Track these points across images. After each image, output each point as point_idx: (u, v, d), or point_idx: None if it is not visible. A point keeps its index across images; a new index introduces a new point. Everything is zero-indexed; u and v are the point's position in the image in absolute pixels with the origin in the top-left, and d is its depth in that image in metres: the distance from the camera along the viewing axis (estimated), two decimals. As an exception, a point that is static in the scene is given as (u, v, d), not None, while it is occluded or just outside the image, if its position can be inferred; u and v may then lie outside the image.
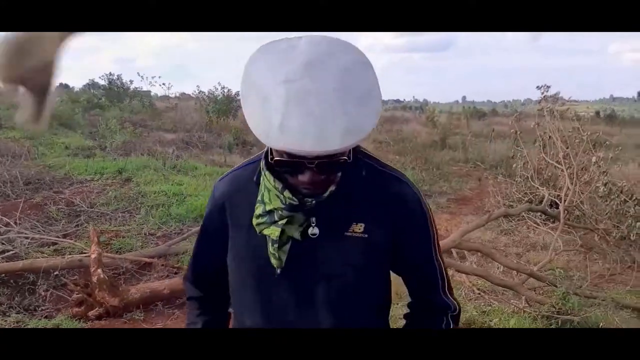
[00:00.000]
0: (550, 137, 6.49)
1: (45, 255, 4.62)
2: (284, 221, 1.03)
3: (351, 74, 0.87)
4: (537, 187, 6.63)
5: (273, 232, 1.03)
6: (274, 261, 1.06)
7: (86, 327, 3.45)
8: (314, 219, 1.05)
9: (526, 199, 7.03)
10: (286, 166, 0.96)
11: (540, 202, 6.29)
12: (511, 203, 6.99)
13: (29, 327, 3.43)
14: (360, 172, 1.07)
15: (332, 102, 0.86)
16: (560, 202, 5.36)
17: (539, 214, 6.21)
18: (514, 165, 7.81)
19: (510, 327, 3.47)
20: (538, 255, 5.52)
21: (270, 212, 1.04)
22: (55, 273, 4.22)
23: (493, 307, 4.01)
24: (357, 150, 1.09)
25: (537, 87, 7.43)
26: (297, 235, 1.04)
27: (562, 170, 5.83)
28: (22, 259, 4.40)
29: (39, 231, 5.22)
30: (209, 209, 1.20)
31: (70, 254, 4.48)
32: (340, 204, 1.05)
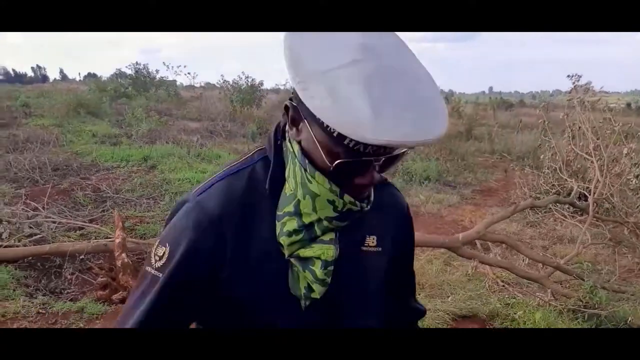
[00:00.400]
0: (579, 127, 6.30)
1: (72, 239, 4.71)
2: (331, 236, 0.83)
3: (407, 49, 0.72)
4: (566, 179, 6.46)
5: (325, 252, 0.82)
6: (318, 288, 0.84)
7: (110, 310, 3.50)
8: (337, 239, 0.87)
9: (554, 191, 6.86)
10: (348, 167, 0.76)
11: (568, 194, 6.13)
12: (538, 195, 6.84)
13: (54, 308, 3.50)
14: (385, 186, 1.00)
15: (421, 78, 0.72)
16: (590, 195, 5.20)
17: (566, 206, 6.05)
18: (541, 157, 7.63)
19: (536, 320, 3.39)
20: (565, 248, 5.39)
21: (309, 226, 0.82)
22: (80, 257, 4.29)
23: (517, 299, 3.93)
24: None
25: (568, 76, 7.23)
26: (335, 251, 0.84)
27: (592, 162, 5.66)
28: (49, 243, 4.50)
29: (66, 216, 5.33)
30: (188, 244, 0.81)
31: (95, 239, 4.55)
32: (357, 219, 0.89)
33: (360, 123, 0.66)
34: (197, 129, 13.22)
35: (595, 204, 5.15)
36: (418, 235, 4.48)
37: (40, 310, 3.47)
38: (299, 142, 0.80)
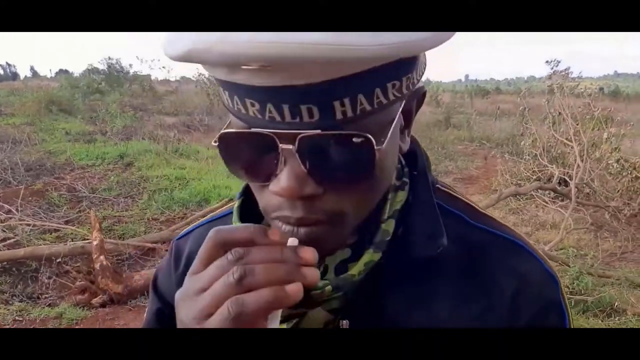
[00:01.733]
0: (559, 113, 6.36)
1: (48, 242, 4.56)
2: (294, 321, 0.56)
3: None
4: (546, 165, 6.51)
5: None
6: None
7: (89, 315, 3.38)
8: (346, 323, 0.56)
9: (535, 177, 6.92)
10: (240, 149, 0.50)
11: (549, 180, 6.19)
12: (519, 181, 6.88)
13: (31, 315, 3.37)
14: (437, 241, 0.55)
15: None
16: (571, 180, 5.24)
17: (547, 192, 6.10)
18: (521, 143, 7.68)
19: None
20: (548, 234, 5.43)
21: None
22: (57, 260, 4.15)
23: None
24: (428, 190, 0.59)
25: (546, 61, 7.29)
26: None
27: (572, 148, 5.71)
28: (24, 247, 4.33)
29: (40, 218, 5.16)
30: (160, 282, 0.74)
31: (72, 241, 4.40)
32: (396, 301, 0.57)
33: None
34: (174, 124, 13.00)
35: (576, 189, 5.19)
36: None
37: (17, 318, 3.34)
38: None
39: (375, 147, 0.45)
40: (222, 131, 0.49)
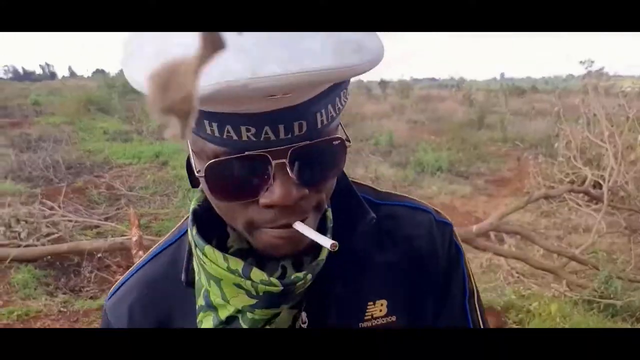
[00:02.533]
0: (595, 114, 6.24)
1: (88, 238, 4.79)
2: (286, 319, 0.59)
3: None
4: (580, 167, 6.40)
5: None
6: None
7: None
8: (304, 315, 0.61)
9: (568, 179, 6.80)
10: (230, 174, 0.51)
11: (583, 182, 6.09)
12: (552, 184, 6.78)
13: (75, 306, 3.56)
14: (366, 217, 0.65)
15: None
16: (604, 183, 5.16)
17: (581, 195, 6.00)
18: (555, 145, 7.56)
19: (551, 312, 3.39)
20: (580, 237, 5.35)
21: (230, 322, 0.57)
22: (98, 255, 4.36)
23: (532, 291, 3.93)
24: (347, 181, 0.67)
25: (580, 62, 7.17)
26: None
27: (607, 150, 5.60)
28: (67, 242, 4.57)
29: (81, 214, 5.41)
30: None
31: (112, 237, 4.62)
32: (341, 277, 0.64)
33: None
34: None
35: (610, 192, 5.10)
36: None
37: (62, 309, 3.54)
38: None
39: (346, 145, 0.54)
40: (210, 162, 0.49)
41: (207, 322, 0.59)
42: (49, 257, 4.37)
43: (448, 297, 0.70)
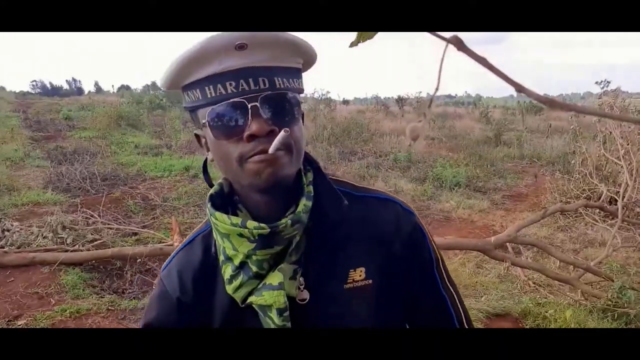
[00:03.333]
0: (610, 132, 6.44)
1: (129, 244, 5.13)
2: (280, 279, 0.78)
3: None
4: (596, 184, 6.59)
5: (276, 300, 0.78)
6: None
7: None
8: (302, 279, 0.82)
9: (584, 195, 6.98)
10: (224, 118, 0.76)
11: (599, 198, 6.27)
12: (569, 199, 6.97)
13: (121, 306, 3.87)
14: (341, 203, 0.84)
15: None
16: (619, 199, 5.34)
17: (597, 210, 6.18)
18: (572, 162, 7.74)
19: (566, 318, 3.59)
20: (596, 251, 5.52)
21: (242, 266, 0.80)
22: (138, 260, 4.69)
23: (548, 299, 4.13)
24: (323, 176, 0.88)
25: (596, 82, 7.37)
26: (293, 291, 0.80)
27: (622, 167, 5.79)
28: (109, 247, 4.91)
29: (121, 223, 5.76)
30: (154, 316, 0.90)
31: (150, 243, 4.95)
32: (329, 250, 0.84)
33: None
34: (231, 138, 13.67)
35: (625, 208, 5.29)
36: (450, 238, 4.73)
37: (110, 307, 3.85)
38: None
39: (300, 102, 0.79)
40: (211, 108, 0.76)
41: (227, 271, 0.81)
42: (94, 261, 4.70)
43: (417, 262, 0.89)
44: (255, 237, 0.77)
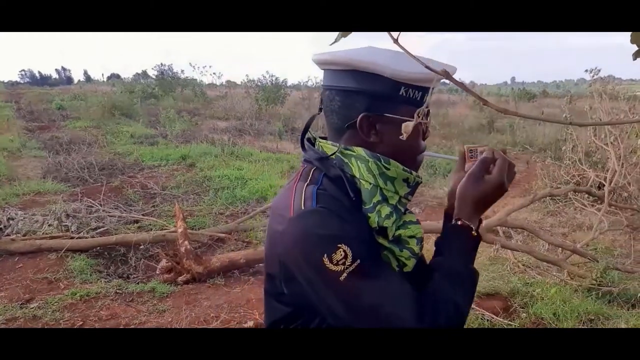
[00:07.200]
0: (600, 119, 6.60)
1: (131, 231, 5.26)
2: (412, 218, 1.00)
3: None
4: (585, 170, 6.78)
5: (419, 231, 0.98)
6: (411, 262, 0.97)
7: (177, 290, 4.01)
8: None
9: (574, 181, 7.18)
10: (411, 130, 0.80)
11: (588, 184, 6.45)
12: (559, 185, 7.15)
13: (128, 289, 4.02)
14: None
15: None
16: (606, 183, 5.53)
17: (586, 195, 6.37)
18: (563, 148, 7.92)
19: (551, 294, 3.77)
20: (584, 235, 5.72)
21: (395, 207, 0.95)
22: (141, 246, 4.84)
23: (536, 279, 4.32)
24: None
25: (586, 70, 7.51)
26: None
27: (610, 153, 5.97)
28: (113, 235, 5.05)
29: (122, 211, 5.89)
30: (345, 230, 0.86)
31: (153, 230, 5.09)
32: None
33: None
34: (226, 128, 13.79)
35: (612, 193, 5.47)
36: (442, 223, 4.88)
37: (117, 291, 3.99)
38: (371, 144, 0.96)
39: None
40: (420, 108, 0.78)
41: (384, 210, 0.92)
42: (98, 247, 4.84)
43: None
44: (412, 183, 0.98)
